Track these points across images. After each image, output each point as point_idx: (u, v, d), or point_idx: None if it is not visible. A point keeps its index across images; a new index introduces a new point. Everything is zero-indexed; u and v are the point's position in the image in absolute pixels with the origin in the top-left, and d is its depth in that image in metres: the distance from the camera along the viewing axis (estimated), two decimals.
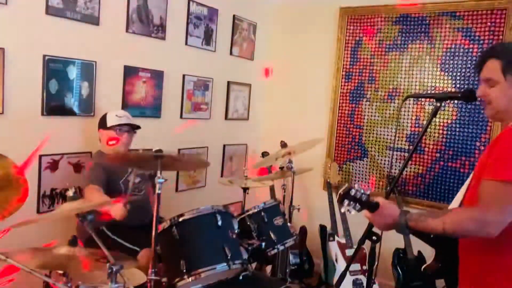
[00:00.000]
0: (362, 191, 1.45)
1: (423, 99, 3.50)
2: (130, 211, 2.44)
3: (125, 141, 2.62)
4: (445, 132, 3.39)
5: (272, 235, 2.29)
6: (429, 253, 1.84)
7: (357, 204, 1.45)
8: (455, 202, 1.71)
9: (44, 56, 2.52)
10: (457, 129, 3.34)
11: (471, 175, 1.66)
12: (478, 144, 3.27)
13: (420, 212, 1.52)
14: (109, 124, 2.58)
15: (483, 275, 1.52)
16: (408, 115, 3.54)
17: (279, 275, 3.04)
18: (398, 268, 3.25)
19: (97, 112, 2.83)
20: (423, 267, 1.81)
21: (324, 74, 3.94)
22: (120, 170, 2.57)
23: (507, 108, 1.53)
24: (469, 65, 3.28)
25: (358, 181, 3.79)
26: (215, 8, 3.62)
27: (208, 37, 3.59)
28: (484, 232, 1.37)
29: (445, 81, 3.38)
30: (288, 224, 2.50)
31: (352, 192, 1.44)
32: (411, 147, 3.52)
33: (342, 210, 1.46)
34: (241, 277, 2.02)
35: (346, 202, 1.45)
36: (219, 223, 1.93)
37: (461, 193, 1.69)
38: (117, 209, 2.19)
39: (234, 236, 2.00)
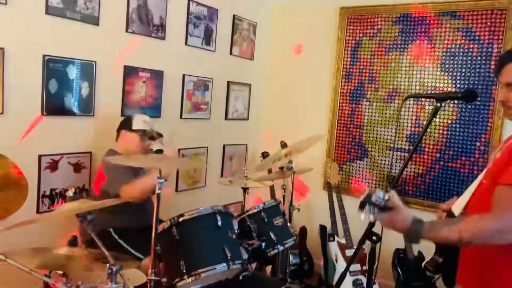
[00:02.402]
0: (381, 196, 1.41)
1: (423, 99, 3.50)
2: (135, 213, 2.44)
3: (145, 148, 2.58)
4: (445, 132, 3.39)
5: (272, 235, 2.28)
6: (429, 253, 1.83)
7: (376, 210, 1.41)
8: (462, 201, 1.68)
9: (44, 56, 2.51)
10: (457, 129, 3.34)
11: (481, 175, 1.63)
12: (478, 144, 3.26)
13: (433, 221, 1.48)
14: (134, 127, 2.60)
15: (486, 272, 1.52)
16: (408, 115, 3.54)
17: (279, 275, 3.04)
18: (398, 268, 3.25)
19: (97, 112, 2.83)
20: (423, 263, 1.79)
21: (324, 74, 3.94)
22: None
23: None
24: (469, 65, 3.28)
25: (358, 180, 3.79)
26: (215, 8, 3.62)
27: (208, 37, 3.59)
28: (502, 239, 1.37)
29: (445, 81, 3.38)
30: (288, 224, 2.50)
31: (373, 198, 1.40)
32: (411, 147, 3.52)
33: (362, 218, 1.41)
34: (241, 277, 2.02)
35: (366, 208, 1.41)
36: (219, 223, 1.93)
37: (468, 193, 1.66)
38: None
39: (234, 236, 2.00)
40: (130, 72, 3.01)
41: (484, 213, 1.45)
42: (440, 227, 1.43)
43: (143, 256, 2.33)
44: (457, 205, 1.69)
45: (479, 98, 3.22)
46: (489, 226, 1.38)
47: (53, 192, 2.65)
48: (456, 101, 3.32)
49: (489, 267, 1.51)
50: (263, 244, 2.23)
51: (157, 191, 1.82)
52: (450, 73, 3.36)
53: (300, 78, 4.11)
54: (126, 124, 2.65)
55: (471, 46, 3.27)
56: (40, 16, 2.48)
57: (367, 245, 1.59)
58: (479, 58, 3.24)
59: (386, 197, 1.41)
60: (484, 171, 1.62)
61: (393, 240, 3.07)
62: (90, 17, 2.71)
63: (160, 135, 2.68)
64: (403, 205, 1.46)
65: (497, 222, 1.37)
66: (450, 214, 1.71)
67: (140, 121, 2.62)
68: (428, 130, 3.41)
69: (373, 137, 3.72)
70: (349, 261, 2.05)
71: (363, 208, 1.41)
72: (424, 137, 3.42)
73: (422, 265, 1.78)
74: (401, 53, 3.56)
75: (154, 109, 3.23)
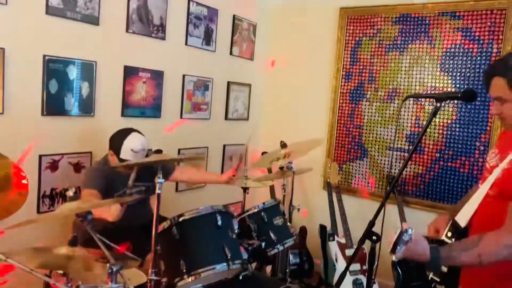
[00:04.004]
0: (410, 232, 1.38)
1: (423, 99, 3.50)
2: (129, 213, 2.43)
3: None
4: (445, 132, 3.39)
5: (272, 235, 2.28)
6: None
7: (403, 246, 1.39)
8: (467, 212, 1.65)
9: (44, 56, 2.52)
10: (457, 129, 3.35)
11: (486, 184, 1.61)
12: (478, 144, 3.27)
13: (450, 247, 1.48)
14: (122, 156, 2.40)
15: (490, 275, 1.51)
16: (408, 115, 3.54)
17: (279, 275, 3.04)
18: (398, 268, 3.25)
19: (97, 112, 2.83)
20: (429, 276, 1.76)
21: (324, 74, 3.95)
22: (121, 182, 2.37)
23: None
24: (469, 65, 3.28)
25: (358, 180, 3.79)
26: (215, 8, 3.62)
27: (208, 37, 3.59)
28: None
29: (445, 81, 3.39)
30: (288, 224, 2.50)
31: (404, 237, 1.38)
32: (411, 147, 3.52)
33: (394, 258, 1.40)
34: (241, 277, 2.02)
35: (398, 248, 1.38)
36: (219, 223, 1.93)
37: (473, 203, 1.64)
38: (114, 211, 2.16)
39: (234, 236, 2.00)
40: (130, 72, 3.02)
41: (492, 226, 1.44)
42: (458, 254, 1.42)
43: (138, 256, 2.30)
44: (462, 215, 1.66)
45: (478, 98, 3.22)
46: (505, 246, 1.38)
47: (54, 192, 2.66)
48: (455, 101, 3.32)
49: (493, 270, 1.51)
50: (263, 243, 2.23)
51: (157, 191, 1.82)
52: (450, 73, 3.36)
53: (300, 78, 4.11)
54: (115, 147, 2.45)
55: (471, 46, 3.28)
56: (40, 16, 2.48)
57: (367, 245, 1.59)
58: (478, 58, 3.25)
59: (413, 232, 1.38)
60: (490, 180, 1.59)
61: None
62: (90, 17, 2.71)
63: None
64: (421, 236, 1.45)
65: None
66: (455, 225, 1.68)
67: (128, 152, 2.38)
68: (428, 130, 3.41)
69: (373, 137, 3.72)
70: (349, 260, 2.05)
71: (395, 250, 1.39)
72: (424, 137, 3.43)
73: (429, 278, 1.76)
74: (401, 53, 3.56)
75: (154, 109, 3.23)
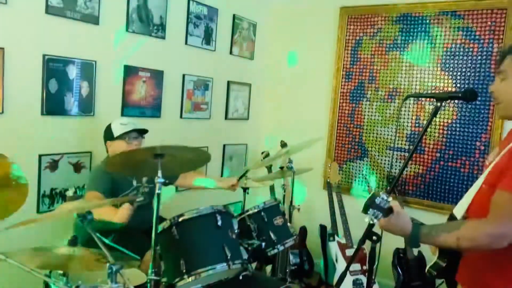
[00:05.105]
0: (385, 198, 1.39)
1: (423, 99, 3.49)
2: (133, 215, 2.43)
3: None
4: (445, 132, 3.39)
5: (272, 235, 2.28)
6: (429, 253, 1.83)
7: (379, 212, 1.40)
8: (463, 205, 1.67)
9: (44, 55, 2.52)
10: (457, 129, 3.34)
11: (481, 179, 1.63)
12: (478, 144, 3.26)
13: (432, 226, 1.49)
14: (115, 134, 2.52)
15: (486, 271, 1.52)
16: (408, 115, 3.54)
17: (279, 275, 3.04)
18: (398, 267, 3.25)
19: (97, 112, 2.83)
20: (427, 268, 1.78)
21: (324, 74, 3.94)
22: (127, 184, 2.41)
23: None
24: (470, 65, 3.28)
25: (358, 180, 3.79)
26: (215, 7, 3.62)
27: (208, 37, 3.59)
28: (498, 245, 1.38)
29: (445, 81, 3.38)
30: (288, 224, 2.50)
31: (378, 200, 1.39)
32: (411, 146, 3.52)
33: (367, 220, 1.41)
34: (241, 277, 2.02)
35: (371, 211, 1.40)
36: (219, 223, 1.92)
37: (468, 196, 1.66)
38: (123, 213, 2.17)
39: (234, 236, 2.00)
40: (130, 72, 3.01)
41: (483, 218, 1.45)
42: (438, 233, 1.44)
43: (138, 256, 2.31)
44: (459, 208, 1.69)
45: (479, 98, 3.22)
46: (485, 234, 1.39)
47: (53, 192, 2.65)
48: (456, 101, 3.32)
49: (489, 266, 1.52)
50: (263, 243, 2.23)
51: (157, 191, 1.82)
52: (450, 73, 3.36)
53: (300, 78, 4.11)
54: (107, 135, 2.57)
55: (471, 45, 3.27)
56: (40, 16, 2.48)
57: (367, 245, 1.58)
58: (479, 57, 3.24)
59: (390, 199, 1.40)
60: (485, 174, 1.61)
61: (393, 240, 3.06)
62: (90, 17, 2.71)
63: (145, 131, 2.63)
64: (403, 209, 1.47)
65: (494, 231, 1.38)
66: (453, 217, 1.70)
67: (118, 126, 2.53)
68: (428, 129, 3.40)
69: (373, 136, 3.72)
70: (349, 260, 2.05)
71: (367, 210, 1.40)
72: (424, 137, 3.42)
73: (426, 270, 1.77)
74: (401, 52, 3.56)
75: (154, 109, 3.23)
